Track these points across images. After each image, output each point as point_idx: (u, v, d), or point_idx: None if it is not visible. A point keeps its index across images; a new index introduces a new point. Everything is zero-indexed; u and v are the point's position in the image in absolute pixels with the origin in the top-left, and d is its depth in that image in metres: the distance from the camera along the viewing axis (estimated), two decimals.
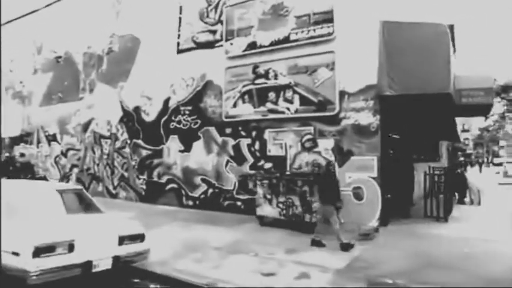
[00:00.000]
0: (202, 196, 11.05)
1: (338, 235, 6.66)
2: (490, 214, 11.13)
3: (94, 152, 13.99)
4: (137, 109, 12.80)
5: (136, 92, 12.79)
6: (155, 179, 12.15)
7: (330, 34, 8.99)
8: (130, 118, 12.96)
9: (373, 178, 8.42)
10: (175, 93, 11.83)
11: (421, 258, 6.16)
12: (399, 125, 9.10)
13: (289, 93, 9.48)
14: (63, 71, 15.50)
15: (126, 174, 12.97)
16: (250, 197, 10.07)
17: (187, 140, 11.45)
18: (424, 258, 6.16)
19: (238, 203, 10.31)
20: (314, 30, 9.21)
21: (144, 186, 12.44)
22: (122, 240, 5.04)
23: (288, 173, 8.82)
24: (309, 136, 9.27)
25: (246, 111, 10.19)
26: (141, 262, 5.38)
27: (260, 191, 8.55)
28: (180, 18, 11.90)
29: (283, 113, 9.58)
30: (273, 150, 9.84)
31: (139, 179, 12.56)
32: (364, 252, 6.45)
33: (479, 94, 9.04)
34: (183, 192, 11.44)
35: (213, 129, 10.93)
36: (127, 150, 12.99)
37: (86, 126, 14.32)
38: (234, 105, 10.41)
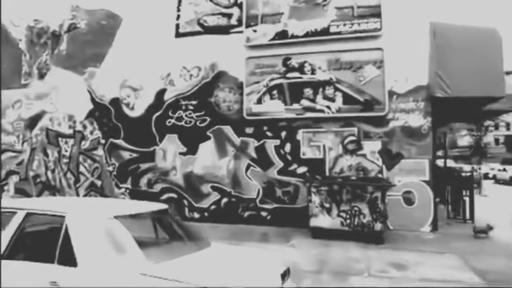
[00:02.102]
0: (213, 207, 9.39)
1: None
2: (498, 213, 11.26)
3: (46, 155, 10.90)
4: (116, 102, 10.35)
5: (115, 81, 10.35)
6: (144, 188, 9.95)
7: (376, 30, 8.47)
8: (106, 113, 10.42)
9: (425, 182, 8.18)
10: (174, 85, 9.89)
11: None
12: (445, 127, 9.05)
13: (329, 90, 8.63)
14: None
15: (98, 182, 10.38)
16: (278, 206, 8.94)
17: (192, 140, 9.64)
18: None
19: (263, 214, 9.01)
20: (359, 24, 8.58)
21: (127, 197, 10.09)
22: (283, 279, 3.54)
23: (353, 178, 7.96)
24: (352, 138, 8.58)
25: (275, 108, 8.97)
26: None
27: (316, 199, 7.47)
28: None
29: (322, 111, 8.67)
30: (308, 152, 8.85)
31: (120, 188, 10.16)
32: (477, 262, 5.96)
33: (502, 100, 9.60)
34: (186, 203, 9.59)
35: (228, 128, 9.40)
36: (100, 152, 10.41)
37: (33, 121, 11.08)
38: (259, 101, 9.10)
